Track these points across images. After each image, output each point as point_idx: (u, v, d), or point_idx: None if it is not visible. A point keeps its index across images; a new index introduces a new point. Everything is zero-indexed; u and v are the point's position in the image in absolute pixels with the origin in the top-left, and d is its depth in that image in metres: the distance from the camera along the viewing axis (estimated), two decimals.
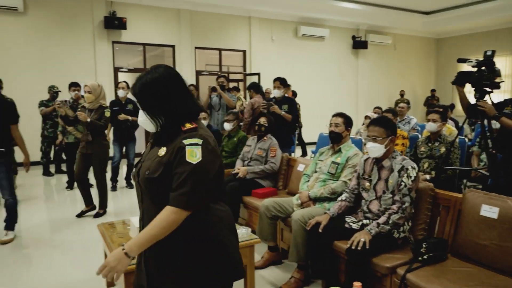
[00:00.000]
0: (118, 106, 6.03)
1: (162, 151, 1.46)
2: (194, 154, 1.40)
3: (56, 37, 8.30)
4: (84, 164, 4.67)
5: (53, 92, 6.77)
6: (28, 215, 4.95)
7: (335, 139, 3.33)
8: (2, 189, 3.91)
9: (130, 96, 6.22)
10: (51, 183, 6.86)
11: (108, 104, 4.81)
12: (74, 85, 6.12)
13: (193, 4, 9.58)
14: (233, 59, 11.01)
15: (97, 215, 4.80)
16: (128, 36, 9.01)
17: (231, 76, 10.64)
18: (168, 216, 1.40)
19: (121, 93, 6.05)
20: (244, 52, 10.72)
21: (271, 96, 5.68)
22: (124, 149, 6.16)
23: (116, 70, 9.11)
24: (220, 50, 10.43)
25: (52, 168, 7.40)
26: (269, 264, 3.40)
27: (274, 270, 3.33)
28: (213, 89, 6.31)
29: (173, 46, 9.67)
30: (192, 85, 7.58)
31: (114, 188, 6.15)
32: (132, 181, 6.24)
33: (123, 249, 1.40)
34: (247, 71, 10.78)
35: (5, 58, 7.74)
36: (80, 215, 4.83)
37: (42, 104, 6.75)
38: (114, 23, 8.57)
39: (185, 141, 1.42)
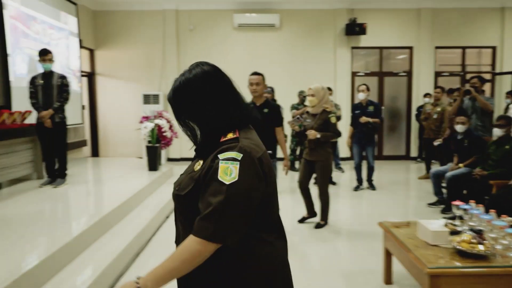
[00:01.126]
0: (359, 108, 6.26)
1: (198, 165, 1.23)
2: (228, 172, 1.12)
3: (304, 46, 9.24)
4: (307, 171, 4.52)
5: (303, 96, 7.57)
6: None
7: None
8: None
9: (370, 98, 6.37)
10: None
11: (332, 108, 4.53)
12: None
13: (435, 2, 9.03)
14: (473, 57, 9.83)
15: (318, 226, 4.53)
16: (366, 41, 9.22)
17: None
18: (190, 246, 1.13)
19: (361, 95, 6.24)
20: (493, 48, 9.41)
21: None
22: (364, 152, 6.36)
23: (353, 74, 9.46)
24: (463, 48, 9.48)
25: (297, 164, 8.27)
26: None
27: None
28: (466, 92, 5.79)
29: (411, 48, 9.36)
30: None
31: (357, 188, 6.42)
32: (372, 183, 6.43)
33: (137, 283, 1.12)
34: (497, 70, 9.43)
35: (267, 68, 9.06)
36: (302, 221, 4.72)
37: (293, 107, 7.66)
38: (354, 29, 8.92)
39: (221, 155, 1.15)
